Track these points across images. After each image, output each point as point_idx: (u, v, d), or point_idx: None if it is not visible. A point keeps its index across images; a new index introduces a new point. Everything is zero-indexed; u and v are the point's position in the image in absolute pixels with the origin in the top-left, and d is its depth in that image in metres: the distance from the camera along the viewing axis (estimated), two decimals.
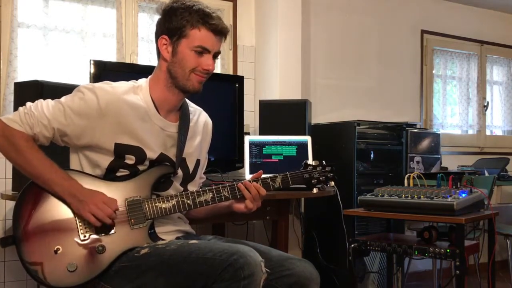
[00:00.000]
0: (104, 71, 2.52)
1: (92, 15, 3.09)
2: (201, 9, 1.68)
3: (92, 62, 2.52)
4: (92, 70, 2.51)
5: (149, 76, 1.78)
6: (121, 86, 1.71)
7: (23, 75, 2.85)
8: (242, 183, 1.73)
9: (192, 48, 1.68)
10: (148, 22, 3.28)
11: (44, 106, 1.64)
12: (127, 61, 3.15)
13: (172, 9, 1.70)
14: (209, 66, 1.70)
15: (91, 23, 3.08)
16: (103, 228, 1.60)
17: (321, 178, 1.79)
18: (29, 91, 2.22)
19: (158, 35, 1.72)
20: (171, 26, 1.68)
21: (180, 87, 1.72)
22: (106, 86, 1.68)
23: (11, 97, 2.74)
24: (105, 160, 1.67)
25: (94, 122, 1.63)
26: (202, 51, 1.68)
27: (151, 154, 1.70)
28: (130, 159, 1.67)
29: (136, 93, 1.71)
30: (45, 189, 1.61)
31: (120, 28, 3.13)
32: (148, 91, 1.73)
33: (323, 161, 1.82)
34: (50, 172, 1.60)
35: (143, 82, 1.76)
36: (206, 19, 1.67)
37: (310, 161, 1.84)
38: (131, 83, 1.75)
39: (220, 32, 1.71)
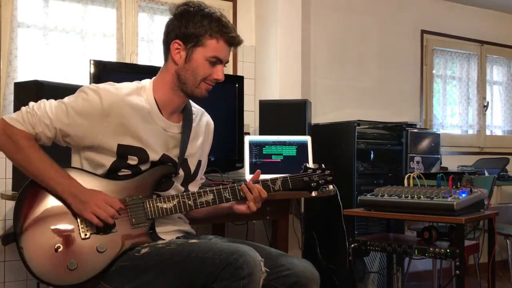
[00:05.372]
0: (104, 71, 2.52)
1: (92, 15, 3.09)
2: (219, 18, 1.67)
3: (92, 62, 2.52)
4: (92, 70, 2.51)
5: (154, 77, 1.77)
6: (125, 87, 1.70)
7: (23, 75, 2.85)
8: (245, 184, 1.73)
9: (207, 58, 1.67)
10: (148, 22, 3.28)
11: (47, 106, 1.64)
12: (127, 61, 3.14)
13: (189, 14, 1.66)
14: (220, 76, 1.70)
15: (91, 23, 3.08)
16: (104, 227, 1.60)
17: (320, 182, 1.80)
18: (29, 91, 2.22)
19: (171, 38, 1.68)
20: (187, 32, 1.66)
21: (187, 92, 1.72)
22: (110, 87, 1.67)
23: (11, 97, 2.74)
24: (108, 161, 1.66)
25: (97, 123, 1.63)
26: (216, 61, 1.69)
27: (154, 155, 1.70)
28: (132, 160, 1.67)
29: (139, 94, 1.71)
30: (45, 188, 1.61)
31: (120, 28, 3.13)
32: (151, 92, 1.73)
33: (322, 165, 1.83)
34: (50, 171, 1.60)
35: (147, 83, 1.76)
36: (225, 30, 1.67)
37: (310, 164, 1.85)
38: (135, 84, 1.74)
39: (236, 44, 1.72)
